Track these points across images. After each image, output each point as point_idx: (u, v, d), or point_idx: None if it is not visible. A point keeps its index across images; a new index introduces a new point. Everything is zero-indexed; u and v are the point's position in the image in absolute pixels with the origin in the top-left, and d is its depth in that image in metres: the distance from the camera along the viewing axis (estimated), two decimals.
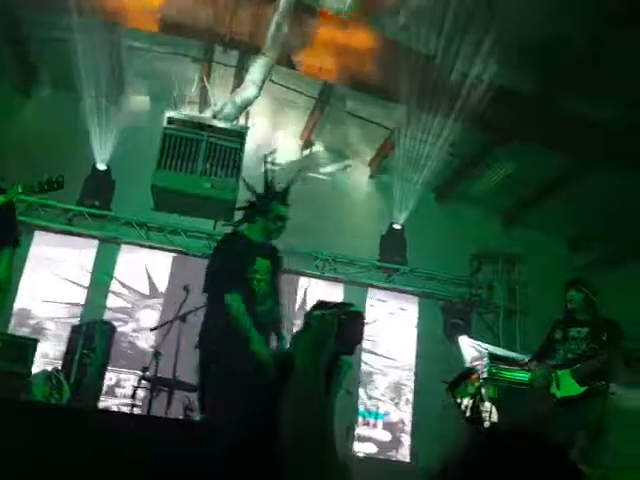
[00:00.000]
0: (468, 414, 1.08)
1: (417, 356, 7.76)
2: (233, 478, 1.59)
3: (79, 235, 7.59)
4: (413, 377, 7.71)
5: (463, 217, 8.29)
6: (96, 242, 7.72)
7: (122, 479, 1.67)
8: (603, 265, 8.29)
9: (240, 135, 7.36)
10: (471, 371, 1.23)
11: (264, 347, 3.25)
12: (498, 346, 7.68)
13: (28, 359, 5.22)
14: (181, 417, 5.06)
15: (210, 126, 7.32)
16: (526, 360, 6.42)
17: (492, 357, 6.85)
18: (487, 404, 1.09)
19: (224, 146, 7.19)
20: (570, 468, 0.70)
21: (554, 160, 7.51)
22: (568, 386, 4.11)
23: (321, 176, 8.77)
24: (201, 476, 1.75)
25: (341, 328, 1.24)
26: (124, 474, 1.66)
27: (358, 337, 1.35)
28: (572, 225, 8.60)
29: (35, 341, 5.75)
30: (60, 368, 5.85)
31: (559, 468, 0.68)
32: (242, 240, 3.83)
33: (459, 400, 1.10)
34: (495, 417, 1.10)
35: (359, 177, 8.94)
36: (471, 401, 1.07)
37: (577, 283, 4.42)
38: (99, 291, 7.61)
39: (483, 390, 1.14)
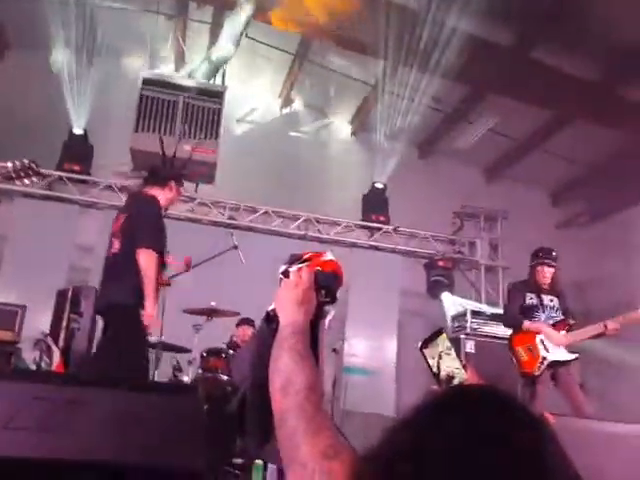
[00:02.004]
0: (435, 372, 1.10)
1: (400, 313, 7.84)
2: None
3: (60, 200, 7.49)
4: (396, 334, 7.81)
5: (446, 173, 8.26)
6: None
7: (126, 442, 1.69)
8: (584, 219, 8.35)
9: (218, 95, 7.21)
10: (440, 331, 1.26)
11: None
12: (480, 302, 7.78)
13: (17, 325, 5.22)
14: (170, 378, 5.19)
15: (187, 86, 7.17)
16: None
17: (473, 313, 6.95)
18: (456, 363, 1.11)
19: (202, 107, 7.07)
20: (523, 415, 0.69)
21: (535, 113, 7.45)
22: (557, 351, 4.26)
23: (302, 135, 8.65)
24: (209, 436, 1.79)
25: (319, 279, 1.24)
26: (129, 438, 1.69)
27: (337, 285, 1.31)
28: (553, 179, 8.61)
29: (23, 307, 5.76)
30: (48, 333, 5.87)
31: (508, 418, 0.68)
32: (162, 206, 3.72)
33: (429, 359, 1.11)
34: (463, 375, 1.12)
35: (340, 135, 8.83)
36: (437, 360, 1.08)
37: (549, 256, 4.55)
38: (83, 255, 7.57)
39: (451, 351, 1.15)
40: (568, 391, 4.16)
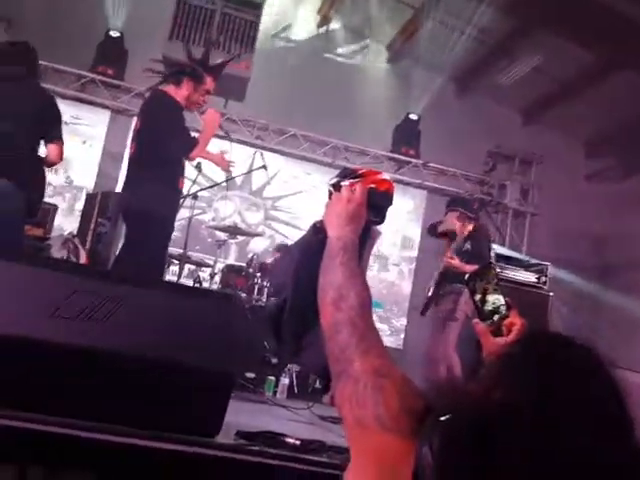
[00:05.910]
0: (479, 306, 1.09)
1: (419, 250, 7.83)
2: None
3: (91, 103, 7.41)
4: (413, 271, 7.84)
5: (483, 111, 7.93)
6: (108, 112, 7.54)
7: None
8: (615, 174, 8.11)
9: (256, 6, 6.94)
10: (489, 265, 1.23)
11: None
12: (503, 246, 7.72)
13: (47, 223, 5.30)
14: None
15: None
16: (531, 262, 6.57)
17: (497, 255, 6.90)
18: (501, 299, 1.10)
19: (239, 18, 6.82)
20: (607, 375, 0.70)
21: (583, 55, 7.07)
22: None
23: (337, 57, 8.28)
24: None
25: (371, 197, 1.20)
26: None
27: (388, 204, 1.30)
28: (589, 128, 8.28)
29: (54, 207, 5.83)
30: (76, 234, 5.98)
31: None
32: (176, 103, 3.48)
33: (474, 293, 1.10)
34: (506, 313, 1.12)
35: (377, 60, 8.45)
36: (483, 294, 1.08)
37: None
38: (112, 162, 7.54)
39: (498, 287, 1.12)
40: None
